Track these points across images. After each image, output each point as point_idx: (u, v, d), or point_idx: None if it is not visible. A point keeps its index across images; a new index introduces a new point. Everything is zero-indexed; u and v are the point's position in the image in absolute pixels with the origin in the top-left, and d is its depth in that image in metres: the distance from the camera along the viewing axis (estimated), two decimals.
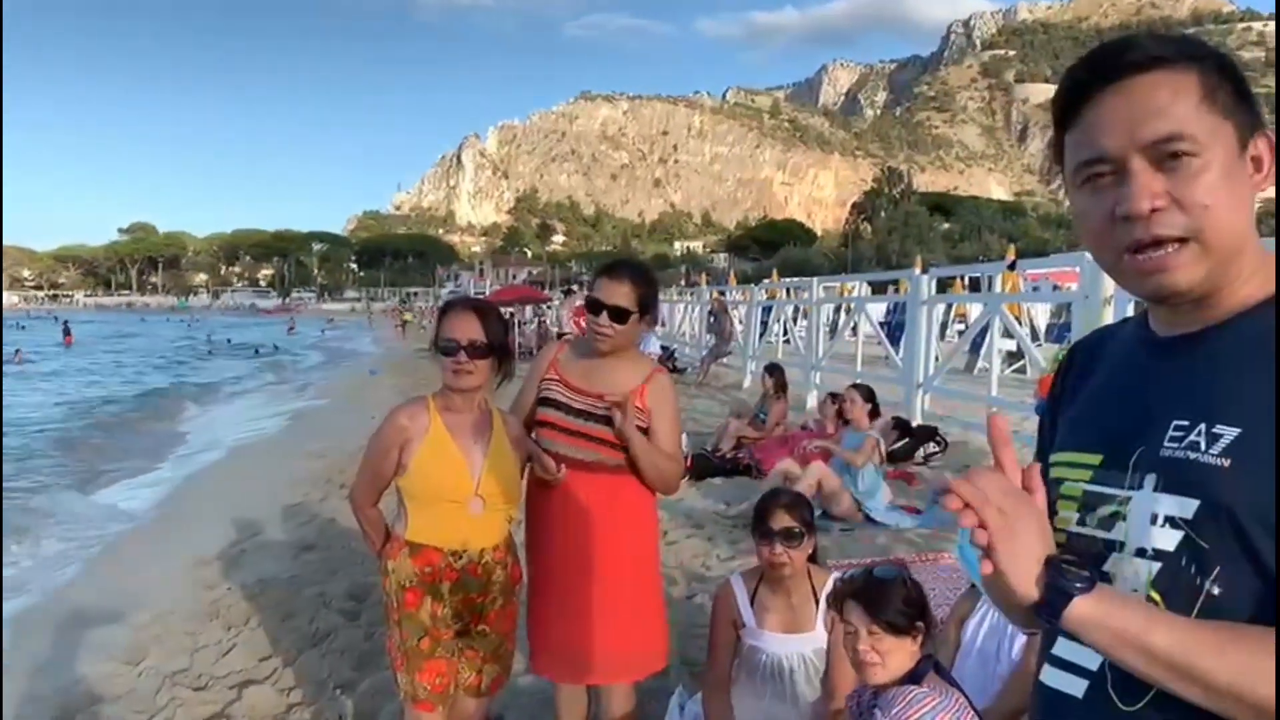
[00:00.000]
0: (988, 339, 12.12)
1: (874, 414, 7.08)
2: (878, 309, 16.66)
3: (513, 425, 2.96)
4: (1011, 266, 11.19)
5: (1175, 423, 1.04)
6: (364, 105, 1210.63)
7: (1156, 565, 1.03)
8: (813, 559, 3.23)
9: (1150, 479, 1.05)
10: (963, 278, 19.96)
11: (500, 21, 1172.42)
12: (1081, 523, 1.13)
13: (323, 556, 6.33)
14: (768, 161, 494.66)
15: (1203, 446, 1.00)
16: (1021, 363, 14.38)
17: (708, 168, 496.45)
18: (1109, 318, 6.62)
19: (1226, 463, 0.98)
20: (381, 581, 2.88)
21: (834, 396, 8.13)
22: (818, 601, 3.12)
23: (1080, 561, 1.00)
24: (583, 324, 3.40)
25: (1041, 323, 19.31)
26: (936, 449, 8.83)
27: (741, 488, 7.81)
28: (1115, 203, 1.03)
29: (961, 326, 18.11)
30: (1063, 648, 1.13)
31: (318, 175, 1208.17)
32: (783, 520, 3.07)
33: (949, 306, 18.01)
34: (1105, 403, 1.18)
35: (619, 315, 2.88)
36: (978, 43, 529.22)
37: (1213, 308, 1.07)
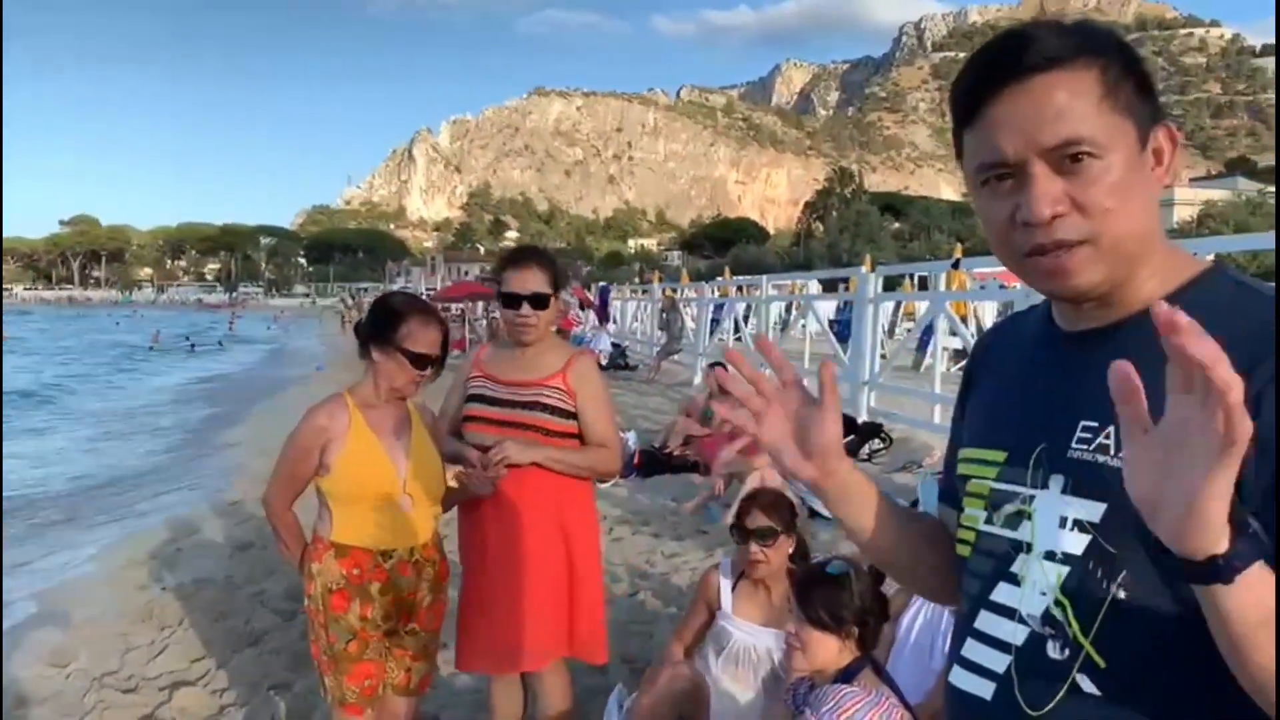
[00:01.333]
0: (933, 337, 12.24)
1: None
2: (828, 307, 16.76)
3: (428, 416, 2.93)
4: (956, 265, 11.29)
5: (1083, 423, 1.02)
6: (314, 98, 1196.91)
7: (1065, 569, 1.01)
8: (802, 558, 3.21)
9: (1058, 480, 1.03)
10: (911, 276, 20.16)
11: (453, 15, 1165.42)
12: (989, 521, 1.12)
13: (260, 555, 6.22)
14: (722, 160, 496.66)
15: (1111, 450, 0.98)
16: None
17: (662, 165, 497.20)
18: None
19: None
20: (305, 585, 2.77)
21: None
22: None
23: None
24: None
25: (989, 321, 19.55)
26: (881, 445, 8.90)
27: (689, 485, 7.81)
28: (1016, 207, 1.01)
29: (911, 325, 18.26)
30: (971, 649, 1.12)
31: (266, 169, 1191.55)
32: (758, 520, 3.11)
33: (898, 305, 18.20)
34: (1009, 398, 1.16)
35: (539, 301, 2.87)
36: (928, 44, 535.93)
37: (1116, 304, 1.05)
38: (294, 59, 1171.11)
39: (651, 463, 8.42)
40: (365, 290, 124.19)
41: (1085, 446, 1.01)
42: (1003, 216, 1.03)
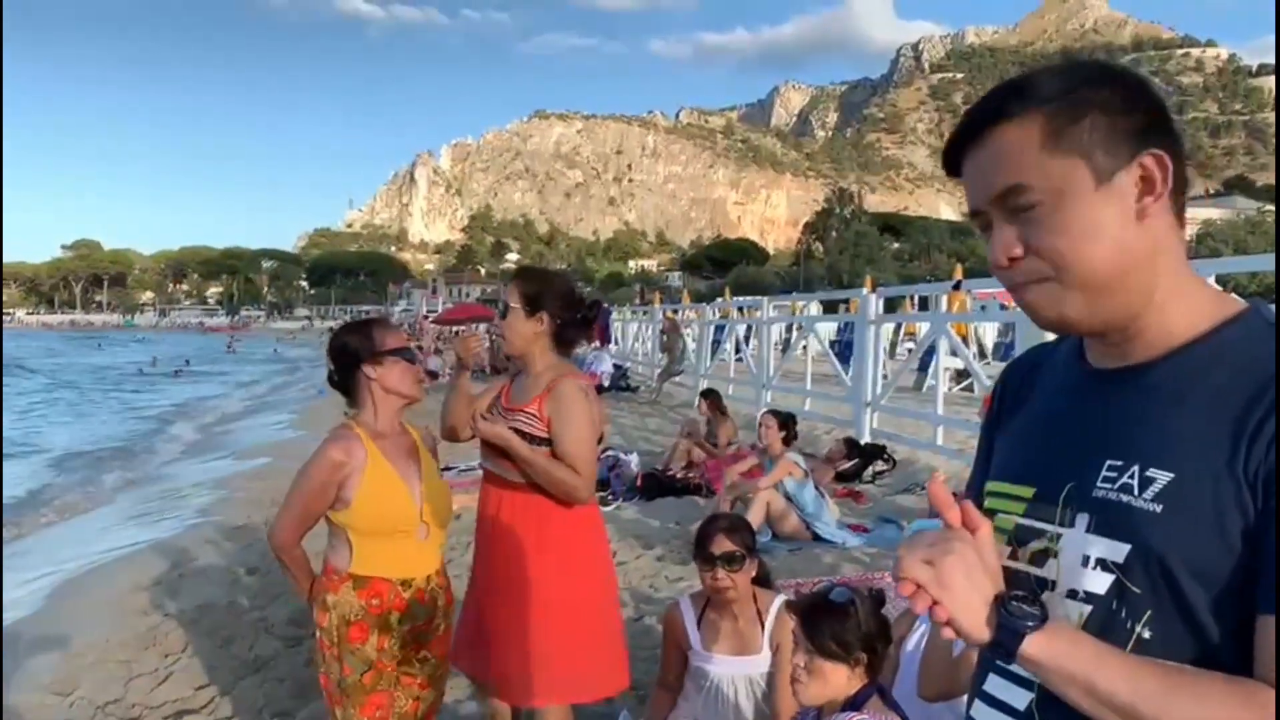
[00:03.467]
0: (935, 358, 12.27)
1: (788, 439, 7.00)
2: (829, 328, 16.79)
3: (430, 440, 2.97)
4: (956, 286, 11.33)
5: (1109, 463, 1.04)
6: (316, 122, 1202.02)
7: (1088, 608, 1.03)
8: (762, 581, 3.23)
9: (1083, 519, 1.04)
10: (912, 297, 20.21)
11: (452, 40, 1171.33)
12: (1013, 557, 1.12)
13: (264, 581, 6.20)
14: (721, 181, 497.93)
15: (1135, 490, 0.99)
16: (969, 381, 14.55)
17: (662, 187, 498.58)
18: (1051, 338, 6.72)
19: (1158, 508, 0.97)
20: (317, 617, 2.72)
21: (775, 415, 8.16)
22: (764, 624, 3.12)
23: (1030, 597, 0.97)
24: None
25: (990, 341, 19.59)
26: (885, 467, 8.90)
27: (692, 506, 7.80)
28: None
29: (912, 345, 18.27)
30: (994, 684, 1.13)
31: (268, 192, 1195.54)
32: (723, 545, 3.08)
33: (899, 326, 18.22)
34: (1038, 433, 1.18)
35: (503, 311, 3.01)
36: (926, 66, 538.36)
37: (1140, 340, 1.07)
38: (296, 83, 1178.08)
39: (654, 485, 8.41)
40: (367, 313, 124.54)
41: (1110, 486, 1.02)
42: (991, 259, 1.09)
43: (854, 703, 2.39)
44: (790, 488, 6.65)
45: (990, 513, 1.18)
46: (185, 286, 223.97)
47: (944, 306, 13.63)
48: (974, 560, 0.97)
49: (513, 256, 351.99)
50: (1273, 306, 1.12)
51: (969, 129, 1.08)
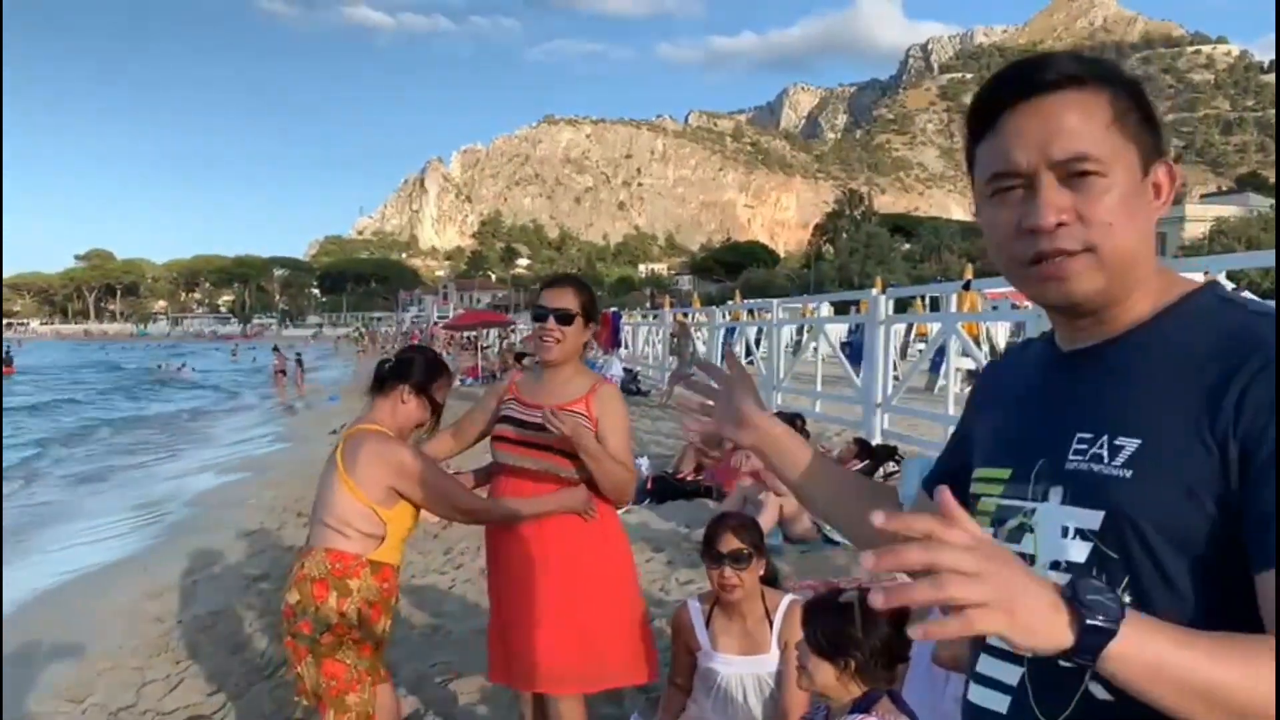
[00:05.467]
0: (946, 358, 12.22)
1: None
2: (840, 329, 16.75)
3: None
4: (966, 286, 11.28)
5: (1079, 435, 1.06)
6: (326, 130, 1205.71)
7: (1069, 578, 1.01)
8: (770, 581, 3.22)
9: (1057, 492, 1.07)
10: (923, 297, 20.14)
11: (460, 46, 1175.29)
12: (994, 537, 1.14)
13: (276, 587, 6.21)
14: (731, 184, 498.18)
15: (1105, 458, 1.02)
16: None
17: (671, 190, 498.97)
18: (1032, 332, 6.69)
19: (1128, 474, 1.00)
20: (337, 604, 2.80)
21: (781, 416, 8.15)
22: (772, 623, 3.12)
23: (1098, 585, 0.89)
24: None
25: (1001, 341, 19.49)
26: (896, 468, 8.85)
27: (702, 510, 7.79)
28: (1022, 215, 1.06)
29: (923, 346, 18.20)
30: (985, 664, 1.15)
31: (279, 200, 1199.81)
32: (731, 543, 3.08)
33: (910, 326, 18.15)
34: (1011, 417, 1.21)
35: (564, 318, 3.00)
36: (935, 66, 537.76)
37: (1110, 323, 1.10)
38: (306, 91, 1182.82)
39: (664, 488, 8.39)
40: (379, 320, 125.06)
41: (1081, 457, 1.05)
42: (1008, 224, 1.08)
43: (862, 705, 2.38)
44: None
45: (975, 498, 1.21)
46: (197, 295, 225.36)
47: (954, 306, 13.59)
48: (1017, 560, 0.91)
49: (523, 262, 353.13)
50: (1228, 285, 1.15)
51: (1025, 86, 1.07)
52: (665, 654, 4.47)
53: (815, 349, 13.96)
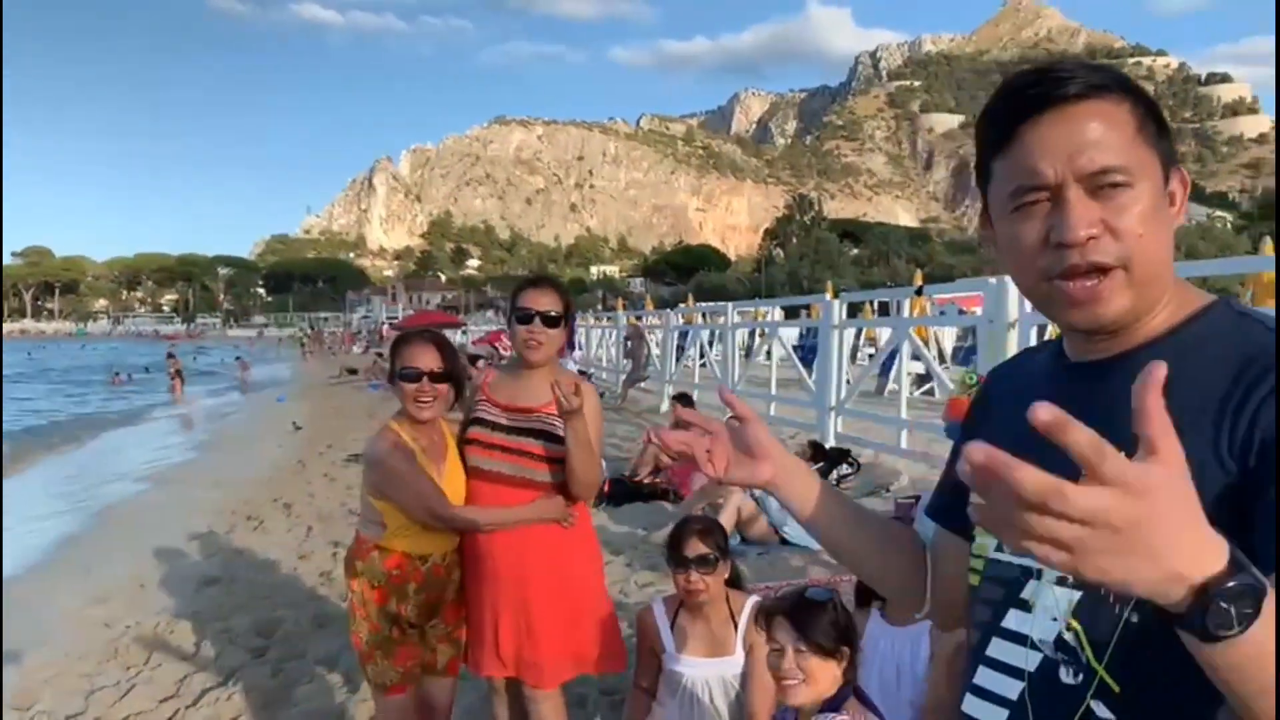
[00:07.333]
0: (896, 362, 12.38)
1: None
2: (791, 333, 16.88)
3: (457, 432, 3.16)
4: (919, 291, 11.44)
5: None
6: (274, 128, 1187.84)
7: (1077, 594, 1.03)
8: (733, 583, 3.24)
9: None
10: (871, 302, 20.36)
11: (413, 46, 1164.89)
12: (999, 548, 1.13)
13: (227, 590, 6.13)
14: (682, 187, 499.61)
15: None
16: (930, 385, 14.68)
17: (623, 193, 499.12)
18: (1013, 341, 6.81)
19: None
20: (348, 582, 3.06)
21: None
22: (737, 625, 3.13)
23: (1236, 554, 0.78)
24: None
25: (949, 346, 19.78)
26: (849, 470, 8.94)
27: (660, 512, 7.80)
28: (1049, 229, 1.03)
29: (872, 350, 18.40)
30: (983, 676, 1.13)
31: (225, 198, 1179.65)
32: (697, 547, 3.08)
33: (859, 330, 18.35)
34: (1020, 431, 1.16)
35: (550, 321, 3.00)
36: (884, 74, 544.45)
37: (1126, 336, 1.08)
38: (254, 89, 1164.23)
39: (622, 491, 8.40)
40: (325, 320, 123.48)
41: None
42: (1034, 238, 1.05)
43: (832, 704, 2.40)
44: (759, 492, 6.69)
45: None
46: (140, 294, 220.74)
47: (907, 311, 13.75)
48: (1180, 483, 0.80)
49: (473, 263, 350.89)
50: (1241, 300, 1.15)
51: (1045, 96, 1.03)
52: (631, 656, 4.48)
53: (769, 352, 14.05)
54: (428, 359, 2.97)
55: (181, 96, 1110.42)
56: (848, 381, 10.71)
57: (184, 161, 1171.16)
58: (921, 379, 15.55)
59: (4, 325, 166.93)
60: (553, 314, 2.99)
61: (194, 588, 6.25)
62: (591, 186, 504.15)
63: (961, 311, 16.77)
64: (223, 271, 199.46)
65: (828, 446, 9.38)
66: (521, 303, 3.03)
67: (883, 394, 15.59)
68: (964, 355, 17.12)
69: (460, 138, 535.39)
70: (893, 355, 11.71)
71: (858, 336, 20.40)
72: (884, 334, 16.89)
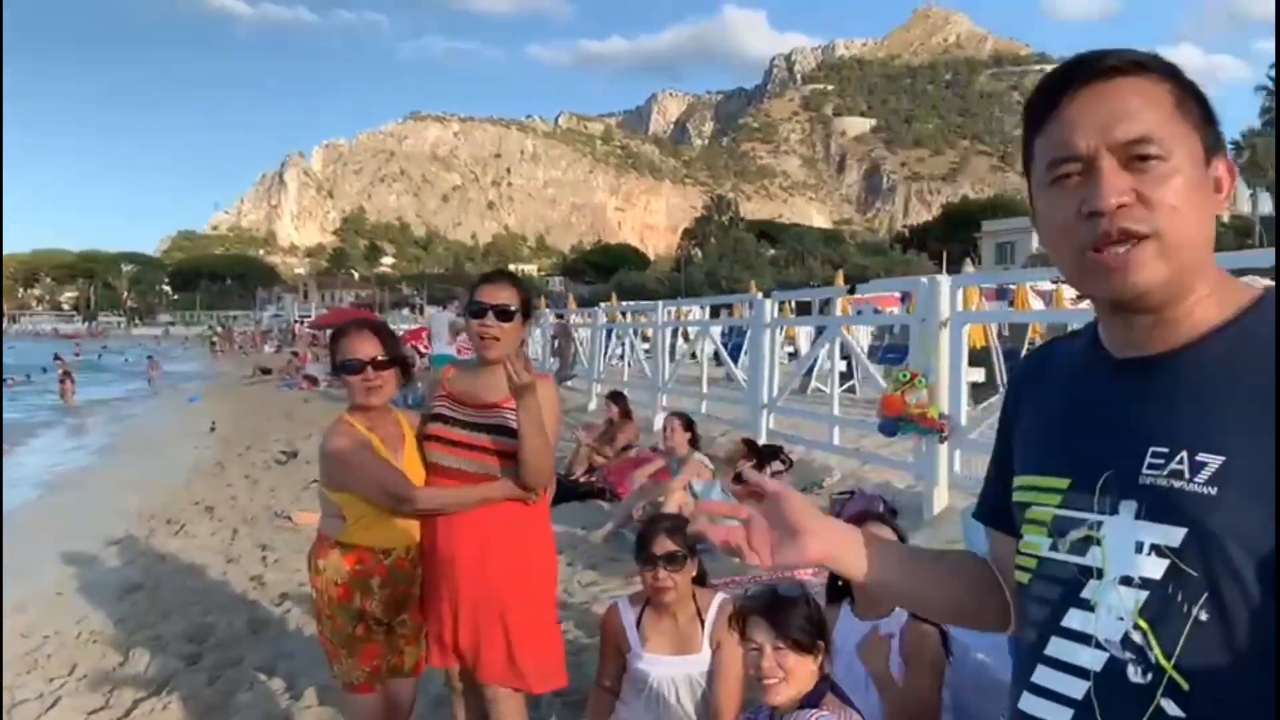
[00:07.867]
0: (819, 361, 12.54)
1: (694, 441, 7.30)
2: (715, 332, 17.01)
3: (415, 424, 3.11)
4: (852, 290, 11.61)
5: (1153, 449, 1.03)
6: (180, 122, 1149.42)
7: (1144, 594, 1.02)
8: (701, 580, 3.23)
9: (1129, 506, 1.04)
10: (789, 302, 20.63)
11: (325, 40, 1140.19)
12: (1054, 548, 1.12)
13: (152, 597, 5.91)
14: (601, 187, 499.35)
15: (1187, 475, 1.00)
16: (850, 383, 14.91)
17: (541, 191, 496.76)
18: (945, 340, 6.93)
19: (1213, 491, 0.98)
20: (311, 580, 3.04)
21: (677, 416, 8.21)
22: (704, 622, 3.12)
23: None
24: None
25: (864, 343, 20.15)
26: (782, 467, 9.01)
27: (597, 511, 7.77)
28: (1082, 200, 1.04)
29: (791, 349, 18.62)
30: (1043, 675, 1.12)
31: (128, 193, 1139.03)
32: (665, 545, 3.07)
33: (780, 328, 18.55)
34: (1068, 425, 1.17)
35: (504, 314, 2.95)
36: (799, 77, 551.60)
37: (1170, 326, 1.07)
38: (159, 79, 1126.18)
39: (558, 490, 8.32)
40: (235, 318, 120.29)
41: (1157, 473, 1.02)
42: (1068, 210, 1.06)
43: (811, 700, 2.40)
44: (698, 488, 6.70)
45: (1023, 506, 1.19)
46: (37, 291, 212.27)
47: (838, 310, 14.00)
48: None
49: (388, 260, 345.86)
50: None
51: (1084, 73, 1.06)
52: (580, 656, 4.44)
53: (700, 351, 14.16)
54: (367, 348, 2.97)
55: (80, 88, 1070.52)
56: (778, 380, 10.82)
57: (85, 155, 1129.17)
58: (843, 377, 15.80)
59: None
60: (510, 308, 2.95)
61: (116, 594, 6.01)
62: (509, 184, 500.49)
63: (877, 310, 17.13)
64: (126, 269, 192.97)
65: (760, 444, 9.45)
66: (475, 297, 2.99)
67: (806, 392, 15.80)
68: (882, 353, 17.45)
69: (375, 133, 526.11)
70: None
71: (776, 335, 20.66)
72: (803, 332, 17.16)
